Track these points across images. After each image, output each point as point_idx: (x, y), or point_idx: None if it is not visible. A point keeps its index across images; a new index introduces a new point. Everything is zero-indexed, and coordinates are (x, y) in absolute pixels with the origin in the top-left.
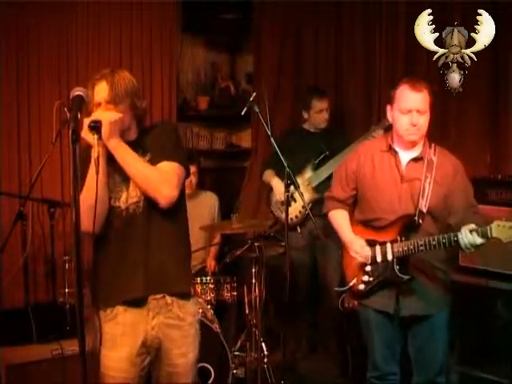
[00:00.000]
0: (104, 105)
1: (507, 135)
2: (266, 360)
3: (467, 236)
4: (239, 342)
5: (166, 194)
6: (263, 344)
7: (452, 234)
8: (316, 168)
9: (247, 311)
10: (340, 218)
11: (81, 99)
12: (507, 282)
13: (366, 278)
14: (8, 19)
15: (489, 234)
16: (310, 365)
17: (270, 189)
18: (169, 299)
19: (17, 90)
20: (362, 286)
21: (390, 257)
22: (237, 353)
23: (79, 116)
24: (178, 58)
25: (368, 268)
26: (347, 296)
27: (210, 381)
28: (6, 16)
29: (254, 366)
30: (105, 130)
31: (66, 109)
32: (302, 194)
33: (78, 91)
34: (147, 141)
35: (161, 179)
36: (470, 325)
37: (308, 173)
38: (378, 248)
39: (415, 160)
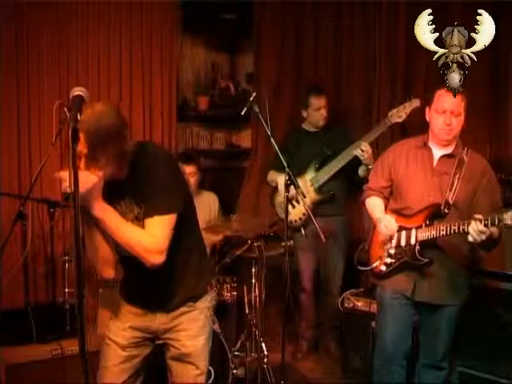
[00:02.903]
0: (84, 160)
1: (507, 135)
2: (265, 360)
3: (476, 223)
4: (239, 342)
5: (152, 262)
6: (263, 344)
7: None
8: (318, 169)
9: (247, 311)
10: (373, 202)
11: (81, 99)
12: (506, 282)
13: (388, 259)
14: (8, 19)
15: (496, 221)
16: (310, 365)
17: (274, 189)
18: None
19: (17, 90)
20: (383, 268)
21: (413, 241)
22: (237, 353)
23: (79, 116)
24: (178, 57)
25: (392, 251)
26: (347, 296)
27: (210, 381)
28: (6, 16)
29: (254, 366)
30: (82, 201)
31: (65, 109)
32: (302, 194)
33: (77, 91)
34: (138, 181)
35: (148, 247)
36: (470, 325)
37: (310, 174)
38: (403, 233)
39: (447, 156)
